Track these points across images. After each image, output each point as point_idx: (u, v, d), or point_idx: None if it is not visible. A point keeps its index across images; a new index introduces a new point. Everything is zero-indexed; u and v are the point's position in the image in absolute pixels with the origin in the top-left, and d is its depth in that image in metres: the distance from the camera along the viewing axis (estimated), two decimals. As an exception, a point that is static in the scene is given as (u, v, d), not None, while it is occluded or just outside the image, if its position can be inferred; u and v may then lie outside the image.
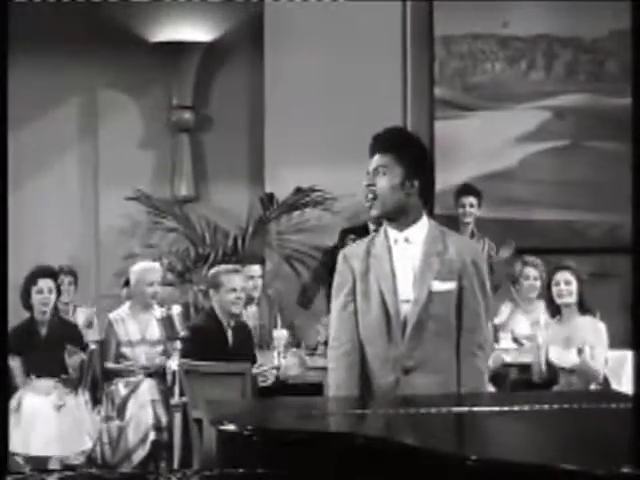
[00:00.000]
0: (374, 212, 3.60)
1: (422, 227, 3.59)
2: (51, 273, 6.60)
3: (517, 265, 7.05)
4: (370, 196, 3.57)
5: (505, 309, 7.05)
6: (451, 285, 3.54)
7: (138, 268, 6.78)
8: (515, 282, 7.01)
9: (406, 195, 3.55)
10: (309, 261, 7.94)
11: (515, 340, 6.75)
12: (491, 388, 6.00)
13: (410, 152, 3.59)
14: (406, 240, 3.57)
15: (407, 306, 3.53)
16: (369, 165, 3.60)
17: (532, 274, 6.91)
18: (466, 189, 7.53)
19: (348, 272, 3.62)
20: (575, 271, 6.04)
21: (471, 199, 7.44)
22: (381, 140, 3.62)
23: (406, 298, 3.54)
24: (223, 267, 6.35)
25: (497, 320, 6.98)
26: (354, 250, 3.69)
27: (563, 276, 6.05)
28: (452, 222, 7.38)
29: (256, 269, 7.10)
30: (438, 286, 3.52)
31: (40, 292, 6.47)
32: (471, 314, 3.56)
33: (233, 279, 6.16)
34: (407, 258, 3.56)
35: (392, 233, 3.60)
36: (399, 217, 3.58)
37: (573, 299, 6.01)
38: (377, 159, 3.58)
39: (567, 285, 6.03)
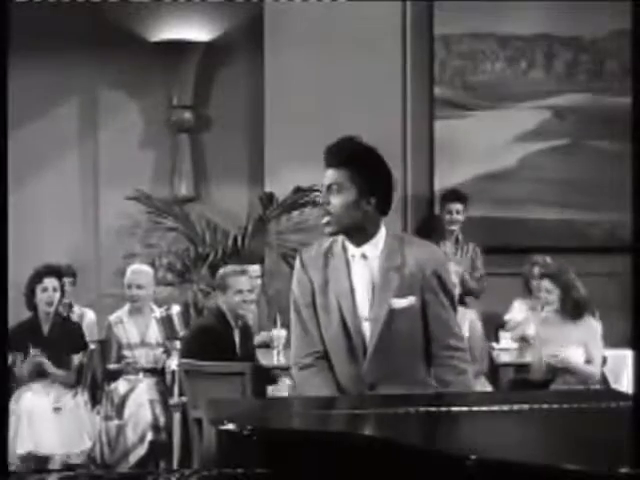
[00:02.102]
0: (329, 229, 3.42)
1: (379, 241, 3.44)
2: (56, 272, 6.61)
3: (526, 265, 7.04)
4: (325, 217, 3.40)
5: (519, 306, 7.03)
6: (412, 300, 3.40)
7: (128, 270, 6.83)
8: (527, 282, 7.00)
9: (363, 213, 3.38)
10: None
11: (524, 339, 6.73)
12: (488, 387, 6.02)
13: (364, 167, 3.39)
14: (363, 256, 3.43)
15: (367, 324, 3.40)
16: (323, 179, 3.44)
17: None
18: (453, 195, 7.44)
19: (307, 283, 3.48)
20: (556, 278, 5.97)
21: (457, 205, 7.39)
22: (333, 153, 3.41)
23: (366, 316, 3.41)
24: (230, 269, 6.30)
25: (507, 316, 6.97)
26: (312, 257, 3.51)
27: (544, 285, 6.02)
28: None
29: (256, 269, 7.11)
30: (398, 303, 3.38)
31: (45, 290, 6.48)
32: (439, 325, 3.44)
33: (239, 281, 6.13)
34: (365, 274, 3.42)
35: (350, 248, 3.45)
36: (356, 234, 3.43)
37: (554, 307, 5.96)
38: (330, 175, 3.40)
39: (547, 294, 6.01)
